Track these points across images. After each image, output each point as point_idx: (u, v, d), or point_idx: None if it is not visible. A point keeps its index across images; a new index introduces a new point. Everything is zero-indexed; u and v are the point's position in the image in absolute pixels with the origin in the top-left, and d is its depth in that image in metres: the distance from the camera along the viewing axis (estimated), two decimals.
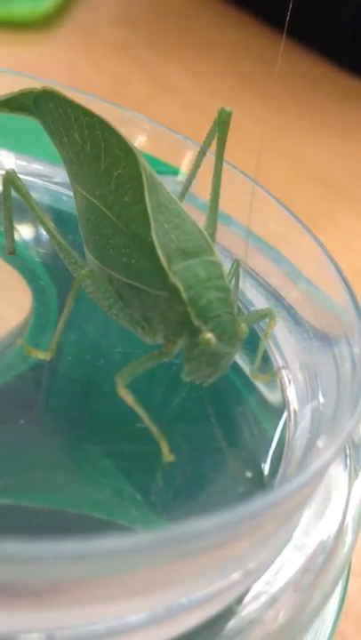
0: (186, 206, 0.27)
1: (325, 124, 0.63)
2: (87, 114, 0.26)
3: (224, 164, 0.27)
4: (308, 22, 0.65)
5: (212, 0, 0.74)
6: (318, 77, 0.68)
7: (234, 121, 0.28)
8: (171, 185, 0.28)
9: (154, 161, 0.30)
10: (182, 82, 0.63)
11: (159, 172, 0.26)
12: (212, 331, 0.23)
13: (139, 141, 0.31)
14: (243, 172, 0.29)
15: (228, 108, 0.27)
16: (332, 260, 0.27)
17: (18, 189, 0.26)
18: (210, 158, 0.28)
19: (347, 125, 0.63)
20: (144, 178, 0.25)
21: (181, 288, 0.23)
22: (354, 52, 0.67)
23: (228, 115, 0.27)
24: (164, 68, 0.65)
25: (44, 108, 0.27)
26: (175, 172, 0.31)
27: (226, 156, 0.28)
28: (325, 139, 0.61)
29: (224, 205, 0.28)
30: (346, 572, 0.23)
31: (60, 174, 0.32)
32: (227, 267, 0.26)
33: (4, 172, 0.27)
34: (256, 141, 0.26)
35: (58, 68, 0.63)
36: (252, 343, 0.27)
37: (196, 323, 0.23)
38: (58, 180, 0.32)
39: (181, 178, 0.31)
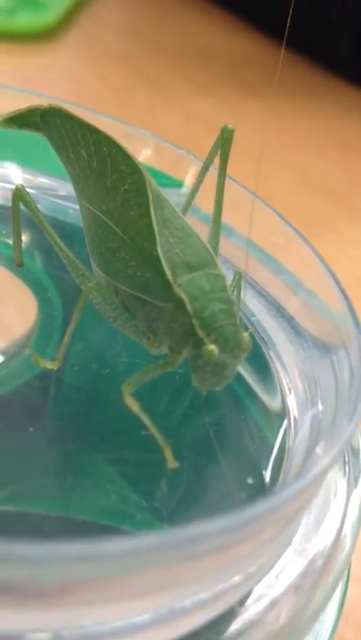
0: (189, 218, 0.28)
1: (327, 133, 0.63)
2: (93, 131, 0.26)
3: (227, 179, 0.28)
4: (309, 33, 0.65)
5: (214, 11, 0.75)
6: (320, 87, 0.68)
7: (236, 131, 0.28)
8: (174, 197, 0.28)
9: (158, 174, 0.31)
10: (185, 92, 0.64)
11: (163, 185, 0.27)
12: (215, 342, 0.23)
13: (143, 156, 0.31)
14: (244, 187, 0.29)
15: (230, 126, 0.28)
16: (330, 271, 0.27)
17: (26, 204, 0.27)
18: (213, 172, 0.29)
19: (348, 135, 0.64)
20: (150, 194, 0.25)
21: (186, 300, 0.24)
22: (354, 62, 0.67)
23: (231, 132, 0.28)
24: (167, 78, 0.65)
25: (51, 124, 0.28)
26: (179, 184, 0.32)
27: (228, 165, 0.28)
28: (327, 148, 0.62)
29: (226, 218, 0.28)
30: (345, 576, 0.24)
31: (66, 187, 0.32)
32: (229, 279, 0.26)
33: (13, 188, 0.27)
34: (258, 151, 0.27)
35: (62, 79, 0.63)
36: (255, 354, 0.28)
37: (200, 334, 0.23)
38: (63, 193, 0.33)
39: (185, 190, 0.31)
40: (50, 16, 0.66)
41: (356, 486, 0.24)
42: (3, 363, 0.27)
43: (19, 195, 0.27)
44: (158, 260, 0.24)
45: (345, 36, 0.67)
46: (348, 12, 0.65)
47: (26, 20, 0.65)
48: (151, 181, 0.26)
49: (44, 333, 0.28)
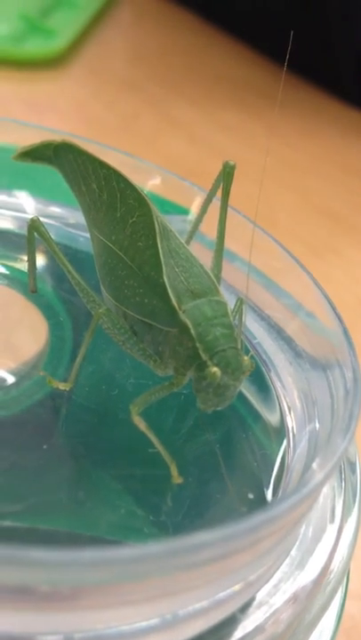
0: (194, 244, 0.29)
1: (329, 156, 0.64)
2: (104, 166, 0.28)
3: (229, 209, 0.29)
4: (312, 57, 0.66)
5: (219, 37, 0.75)
6: (323, 111, 0.68)
7: (239, 154, 0.29)
8: (179, 224, 0.30)
9: (164, 202, 0.32)
10: (189, 116, 0.64)
11: (169, 212, 0.28)
12: (217, 365, 0.24)
13: (150, 186, 0.33)
14: (246, 217, 0.31)
15: (231, 162, 0.29)
16: (325, 294, 0.28)
17: (41, 235, 0.28)
18: (216, 202, 0.30)
19: (350, 158, 0.64)
20: (156, 226, 0.26)
21: (190, 325, 0.25)
22: (357, 85, 0.68)
23: (232, 168, 0.29)
24: (171, 103, 0.65)
25: (64, 158, 0.29)
26: (184, 211, 0.33)
27: (232, 187, 0.29)
28: (329, 171, 0.62)
29: (230, 245, 0.29)
30: (343, 587, 0.24)
31: (76, 216, 0.33)
32: (232, 304, 0.27)
33: (27, 217, 0.28)
34: (261, 174, 0.27)
35: (69, 105, 0.64)
36: (256, 375, 0.29)
37: (204, 357, 0.25)
38: (74, 221, 0.34)
39: (190, 217, 0.32)
40: (58, 43, 0.66)
41: (353, 500, 0.25)
42: (14, 383, 0.28)
43: (34, 226, 0.28)
44: (164, 288, 0.25)
45: (348, 61, 0.67)
46: (352, 36, 0.66)
47: (34, 47, 0.66)
48: (158, 214, 0.27)
49: (54, 355, 0.29)
